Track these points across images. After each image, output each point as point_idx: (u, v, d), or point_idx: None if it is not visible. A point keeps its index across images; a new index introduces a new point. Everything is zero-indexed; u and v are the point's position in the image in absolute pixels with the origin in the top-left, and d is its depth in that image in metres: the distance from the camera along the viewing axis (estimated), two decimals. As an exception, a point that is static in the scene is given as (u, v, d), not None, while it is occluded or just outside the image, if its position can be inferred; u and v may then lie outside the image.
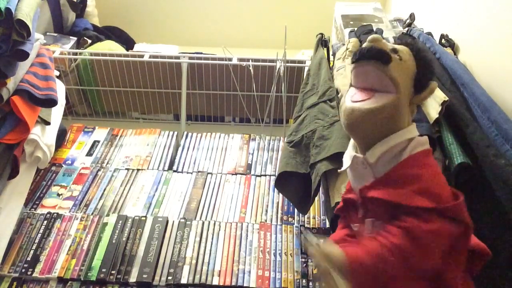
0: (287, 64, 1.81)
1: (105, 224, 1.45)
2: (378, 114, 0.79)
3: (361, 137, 0.84)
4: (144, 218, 1.47)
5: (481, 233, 0.87)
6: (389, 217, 0.79)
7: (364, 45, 0.83)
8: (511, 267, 0.94)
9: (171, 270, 1.33)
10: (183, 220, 1.47)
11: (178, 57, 1.95)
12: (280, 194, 1.56)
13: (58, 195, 1.58)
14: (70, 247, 1.39)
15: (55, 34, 2.13)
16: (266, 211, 1.54)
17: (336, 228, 0.98)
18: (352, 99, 0.83)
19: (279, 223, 1.49)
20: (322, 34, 1.71)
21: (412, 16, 1.78)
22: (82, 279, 1.31)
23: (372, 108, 0.79)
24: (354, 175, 0.88)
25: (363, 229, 0.86)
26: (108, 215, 1.49)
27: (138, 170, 1.68)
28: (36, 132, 1.47)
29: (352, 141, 0.89)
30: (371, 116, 0.79)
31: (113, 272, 1.32)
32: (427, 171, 0.80)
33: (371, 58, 0.80)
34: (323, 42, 1.68)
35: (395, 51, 0.82)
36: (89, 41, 2.16)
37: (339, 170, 1.13)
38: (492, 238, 0.94)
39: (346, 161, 0.89)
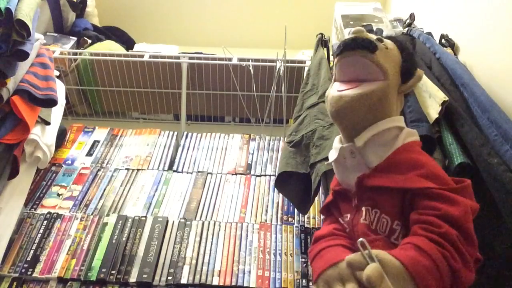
0: (287, 64, 1.80)
1: (105, 224, 1.45)
2: (367, 99, 0.78)
3: (349, 125, 0.82)
4: (144, 218, 1.47)
5: (479, 232, 0.87)
6: (392, 205, 0.76)
7: (347, 37, 0.82)
8: (509, 266, 0.94)
9: (171, 270, 1.33)
10: (183, 220, 1.47)
11: (178, 57, 1.95)
12: (280, 194, 1.56)
13: (58, 195, 1.58)
14: (70, 247, 1.39)
15: (55, 34, 2.13)
16: (266, 211, 1.54)
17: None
18: (339, 89, 0.82)
19: (279, 223, 1.49)
20: (322, 34, 1.71)
21: (412, 16, 1.78)
22: (82, 279, 1.31)
23: (361, 93, 0.78)
24: (341, 169, 0.86)
25: (356, 217, 0.82)
26: (108, 215, 1.49)
27: (138, 170, 1.68)
28: (36, 132, 1.47)
29: (337, 137, 0.88)
30: (360, 101, 0.78)
31: (113, 272, 1.32)
32: (427, 158, 0.80)
33: (357, 47, 0.79)
34: (323, 42, 1.68)
35: (380, 40, 0.82)
36: (89, 41, 2.16)
37: (326, 163, 1.12)
38: (490, 237, 0.94)
39: (333, 154, 0.87)
